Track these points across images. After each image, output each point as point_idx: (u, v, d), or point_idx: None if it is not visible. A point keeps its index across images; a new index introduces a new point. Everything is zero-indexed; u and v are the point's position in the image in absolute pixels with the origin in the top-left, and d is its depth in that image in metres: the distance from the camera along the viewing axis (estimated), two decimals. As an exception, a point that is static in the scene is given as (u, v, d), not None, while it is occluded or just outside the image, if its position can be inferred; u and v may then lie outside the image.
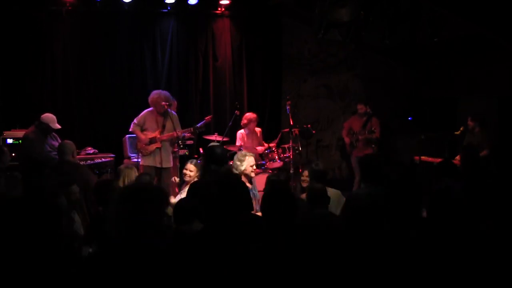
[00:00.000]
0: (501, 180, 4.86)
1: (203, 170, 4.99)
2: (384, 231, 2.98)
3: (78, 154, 6.80)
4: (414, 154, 7.61)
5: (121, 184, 4.91)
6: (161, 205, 2.42)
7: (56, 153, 6.30)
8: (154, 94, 6.96)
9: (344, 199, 4.68)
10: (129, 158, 7.61)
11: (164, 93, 6.98)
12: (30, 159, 6.18)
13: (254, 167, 5.43)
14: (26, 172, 5.96)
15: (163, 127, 6.88)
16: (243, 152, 5.61)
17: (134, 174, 5.15)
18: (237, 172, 5.22)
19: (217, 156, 4.57)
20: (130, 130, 7.06)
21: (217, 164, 4.53)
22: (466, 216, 3.03)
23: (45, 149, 6.33)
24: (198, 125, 7.19)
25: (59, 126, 6.50)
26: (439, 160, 6.41)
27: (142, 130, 6.91)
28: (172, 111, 7.02)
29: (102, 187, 4.17)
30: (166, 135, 6.84)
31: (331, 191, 4.57)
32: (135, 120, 6.97)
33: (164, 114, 6.89)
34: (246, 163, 5.31)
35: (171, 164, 7.01)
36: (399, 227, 2.96)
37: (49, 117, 6.44)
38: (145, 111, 7.00)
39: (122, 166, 5.52)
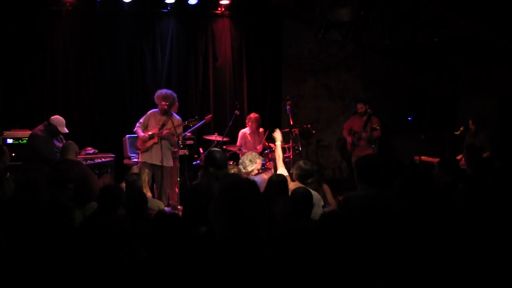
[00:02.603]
0: (504, 179, 4.88)
1: (202, 173, 5.04)
2: (381, 232, 2.98)
3: (78, 154, 6.80)
4: (414, 154, 7.61)
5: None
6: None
7: (59, 154, 6.30)
8: (157, 92, 7.03)
9: (322, 202, 4.73)
10: (129, 158, 7.61)
11: (164, 92, 6.98)
12: (38, 157, 6.16)
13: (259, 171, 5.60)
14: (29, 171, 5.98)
15: (162, 125, 6.87)
16: (255, 154, 5.75)
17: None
18: (243, 170, 5.34)
19: (216, 160, 4.62)
20: (134, 130, 7.10)
21: (216, 167, 4.57)
22: (467, 215, 3.04)
23: (54, 150, 6.32)
24: (197, 125, 7.25)
25: (66, 131, 6.48)
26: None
27: (145, 129, 6.97)
28: (176, 115, 7.02)
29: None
30: (164, 131, 6.81)
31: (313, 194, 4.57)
32: (140, 120, 7.06)
33: (166, 114, 6.89)
34: (255, 166, 5.48)
35: (171, 164, 7.01)
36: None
37: (59, 120, 6.42)
38: (150, 111, 7.07)
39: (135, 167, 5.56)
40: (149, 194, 5.06)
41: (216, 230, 2.28)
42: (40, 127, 6.42)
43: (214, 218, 2.31)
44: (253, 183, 2.38)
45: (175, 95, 7.05)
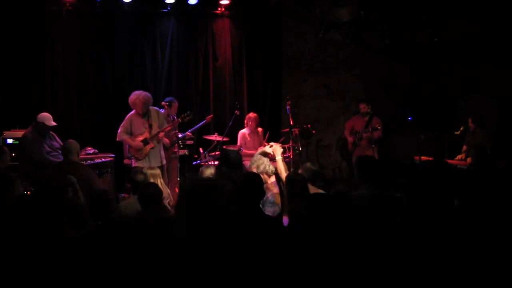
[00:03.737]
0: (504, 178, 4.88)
1: (215, 171, 5.01)
2: (389, 230, 2.98)
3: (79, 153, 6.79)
4: (414, 154, 7.61)
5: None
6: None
7: (55, 153, 6.28)
8: (133, 95, 6.82)
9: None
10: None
11: (142, 97, 6.77)
12: (28, 159, 6.15)
13: None
14: (27, 172, 5.98)
15: (150, 126, 6.80)
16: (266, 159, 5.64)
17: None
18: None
19: (229, 159, 4.59)
20: (117, 139, 6.95)
21: (229, 167, 4.54)
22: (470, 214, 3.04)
23: (44, 150, 6.29)
24: (198, 125, 7.24)
25: (54, 124, 6.44)
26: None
27: (130, 135, 6.83)
28: (154, 107, 6.91)
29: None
30: (160, 134, 6.77)
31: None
32: (120, 128, 6.86)
33: (146, 114, 6.81)
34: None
35: (165, 162, 6.97)
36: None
37: (44, 116, 6.39)
38: (128, 115, 6.90)
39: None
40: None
41: (178, 229, 2.29)
42: (29, 128, 6.42)
43: (177, 217, 2.32)
44: (215, 184, 2.38)
45: (149, 95, 6.90)
